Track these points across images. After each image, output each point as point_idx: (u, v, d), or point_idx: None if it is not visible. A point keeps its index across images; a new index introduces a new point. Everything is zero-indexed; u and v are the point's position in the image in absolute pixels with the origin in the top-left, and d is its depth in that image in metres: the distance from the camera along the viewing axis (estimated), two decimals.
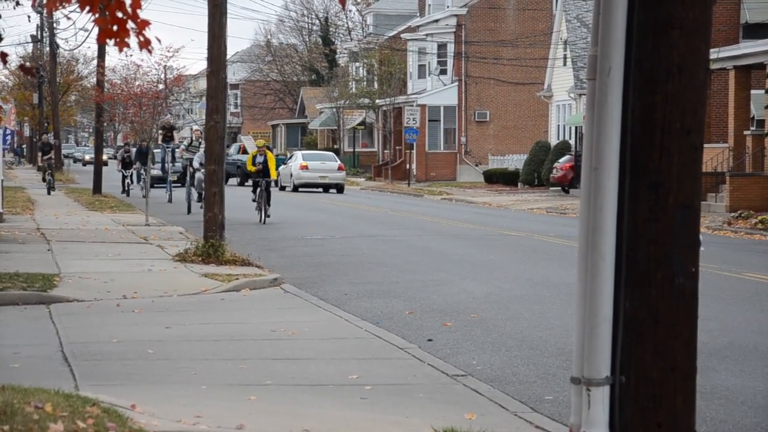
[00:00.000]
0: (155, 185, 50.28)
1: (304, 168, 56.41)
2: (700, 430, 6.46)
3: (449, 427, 8.45)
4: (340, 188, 56.91)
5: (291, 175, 57.08)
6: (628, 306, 5.40)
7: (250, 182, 39.74)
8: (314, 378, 10.82)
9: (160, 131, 46.52)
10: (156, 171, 50.38)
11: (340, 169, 58.14)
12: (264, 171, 33.14)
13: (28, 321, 14.53)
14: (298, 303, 16.50)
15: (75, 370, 10.92)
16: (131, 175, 50.09)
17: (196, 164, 35.89)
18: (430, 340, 13.37)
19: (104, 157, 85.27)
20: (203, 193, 31.52)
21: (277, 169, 38.33)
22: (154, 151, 50.40)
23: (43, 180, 49.21)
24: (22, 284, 16.67)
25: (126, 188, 49.25)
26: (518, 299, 16.93)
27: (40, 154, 51.63)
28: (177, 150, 43.27)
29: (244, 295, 17.18)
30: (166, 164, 44.32)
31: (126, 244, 24.26)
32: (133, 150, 49.44)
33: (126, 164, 49.88)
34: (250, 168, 33.63)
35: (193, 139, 40.43)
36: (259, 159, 33.47)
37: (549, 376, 11.36)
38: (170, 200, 41.34)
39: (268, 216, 32.31)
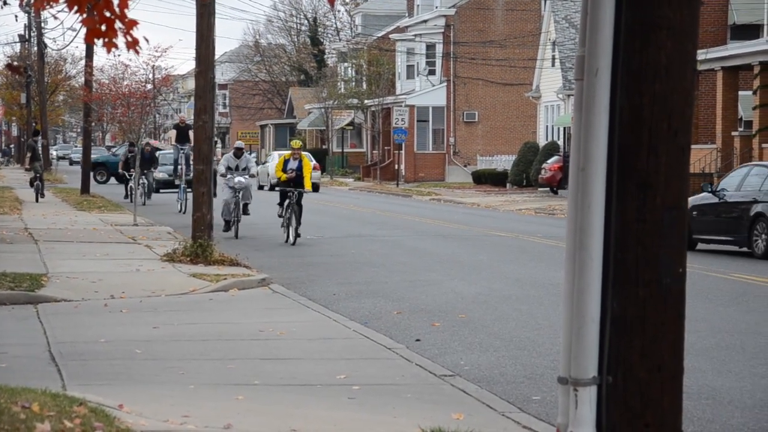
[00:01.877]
0: (162, 190, 44.97)
1: None
2: (686, 430, 6.47)
3: (437, 427, 8.45)
4: (315, 187, 57.97)
5: (268, 175, 58.55)
6: (616, 306, 5.41)
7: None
8: (302, 378, 10.82)
9: (173, 129, 39.76)
10: (162, 174, 45.36)
11: (315, 168, 58.98)
12: (297, 180, 26.61)
13: (16, 321, 14.50)
14: (287, 303, 16.50)
15: (62, 370, 10.91)
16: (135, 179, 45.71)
17: (222, 169, 29.08)
18: (418, 340, 13.38)
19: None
20: (239, 206, 27.67)
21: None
22: (166, 153, 45.96)
23: (31, 185, 42.74)
24: (9, 284, 16.63)
25: (129, 193, 43.02)
26: (506, 299, 16.94)
27: (29, 154, 43.33)
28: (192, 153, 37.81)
29: (233, 295, 17.16)
30: (179, 167, 39.45)
31: (114, 244, 24.23)
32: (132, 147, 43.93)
33: (129, 166, 43.09)
34: (280, 175, 26.97)
35: None
36: (292, 164, 26.76)
37: (536, 376, 11.38)
38: (182, 210, 35.80)
39: (299, 235, 26.31)
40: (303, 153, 27.37)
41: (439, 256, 23.79)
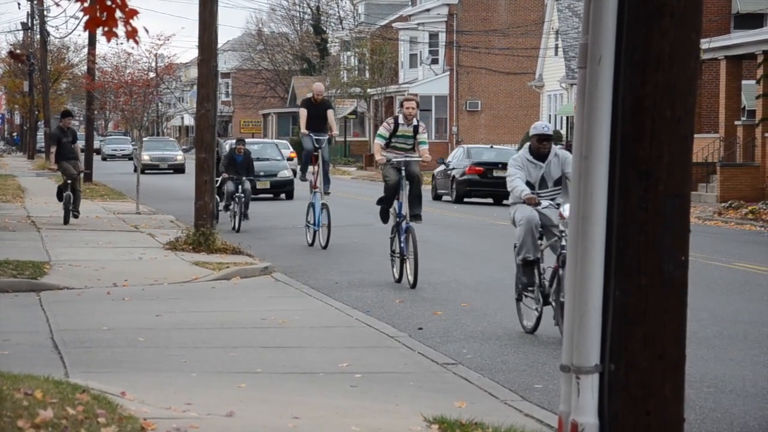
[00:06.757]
0: (258, 195, 33.78)
1: None
2: (688, 418, 6.47)
3: (439, 416, 8.46)
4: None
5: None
6: (618, 294, 5.40)
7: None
8: (304, 366, 10.82)
9: (302, 108, 23.21)
10: (262, 180, 35.45)
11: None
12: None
13: (19, 308, 14.51)
14: (289, 291, 16.50)
15: (65, 358, 10.92)
16: (224, 188, 27.52)
17: (522, 187, 13.28)
18: (420, 328, 13.38)
19: (179, 156, 70.06)
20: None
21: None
22: (265, 144, 39.50)
23: (59, 197, 27.12)
24: (12, 272, 16.64)
25: (228, 207, 27.40)
26: (508, 288, 16.89)
27: (55, 148, 26.76)
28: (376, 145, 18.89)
29: (235, 284, 17.17)
30: (309, 169, 23.01)
31: (116, 233, 24.23)
32: (224, 144, 30.27)
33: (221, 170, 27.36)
34: None
35: (401, 121, 17.98)
36: None
37: (538, 364, 11.38)
38: (314, 242, 22.83)
39: None
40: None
41: (441, 244, 23.78)
